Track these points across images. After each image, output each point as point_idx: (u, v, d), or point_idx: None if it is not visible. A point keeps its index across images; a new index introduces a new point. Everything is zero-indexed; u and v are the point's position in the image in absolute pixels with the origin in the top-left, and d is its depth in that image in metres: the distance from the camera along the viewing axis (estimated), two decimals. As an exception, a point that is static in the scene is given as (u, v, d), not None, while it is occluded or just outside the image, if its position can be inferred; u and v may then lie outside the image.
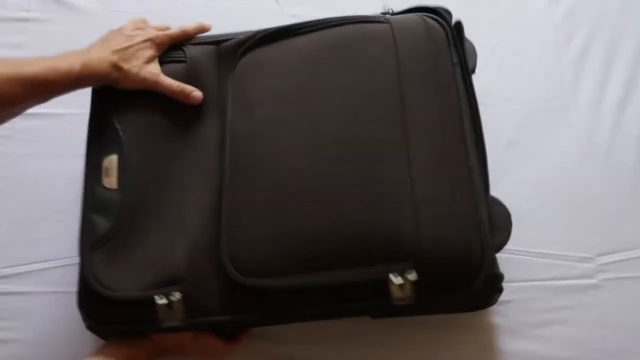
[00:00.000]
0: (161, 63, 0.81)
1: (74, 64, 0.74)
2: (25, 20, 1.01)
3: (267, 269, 0.70)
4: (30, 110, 0.93)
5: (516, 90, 0.92)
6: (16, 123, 0.93)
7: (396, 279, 0.67)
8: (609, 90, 0.94)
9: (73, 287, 0.83)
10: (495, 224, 0.72)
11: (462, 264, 0.68)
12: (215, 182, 0.76)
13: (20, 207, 0.90)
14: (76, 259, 0.85)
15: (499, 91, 0.91)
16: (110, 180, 0.76)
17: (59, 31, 1.01)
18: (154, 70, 0.79)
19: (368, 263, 0.68)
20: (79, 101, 0.94)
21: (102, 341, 0.80)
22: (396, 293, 0.68)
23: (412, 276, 0.67)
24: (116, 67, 0.76)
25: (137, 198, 0.75)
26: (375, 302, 0.70)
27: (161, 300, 0.70)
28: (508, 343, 0.80)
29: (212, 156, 0.77)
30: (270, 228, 0.71)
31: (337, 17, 0.80)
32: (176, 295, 0.70)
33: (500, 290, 0.72)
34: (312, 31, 0.80)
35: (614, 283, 0.83)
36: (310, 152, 0.72)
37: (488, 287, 0.70)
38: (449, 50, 0.77)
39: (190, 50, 0.82)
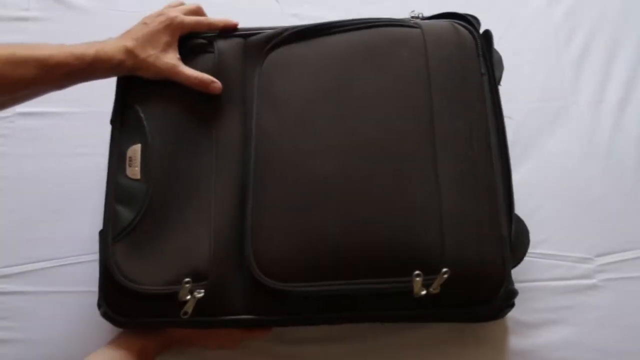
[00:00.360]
0: (188, 52, 0.81)
1: (88, 48, 0.74)
2: (25, 19, 1.01)
3: (293, 273, 0.70)
4: (30, 110, 0.94)
5: (516, 90, 0.92)
6: (16, 123, 0.94)
7: (421, 292, 0.67)
8: (609, 90, 0.94)
9: (73, 287, 0.85)
10: (514, 241, 0.71)
11: (484, 280, 0.69)
12: (239, 177, 0.76)
13: (20, 207, 0.90)
14: (76, 259, 0.86)
15: (499, 91, 0.91)
16: (134, 171, 0.76)
17: (58, 30, 1.01)
18: (170, 60, 0.78)
19: (393, 274, 0.68)
20: (79, 100, 0.94)
21: (103, 338, 0.80)
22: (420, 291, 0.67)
23: (436, 289, 0.67)
24: (131, 54, 0.76)
25: (160, 189, 0.75)
26: (397, 312, 0.71)
27: (184, 297, 0.70)
28: (508, 343, 0.80)
29: (236, 150, 0.77)
30: (296, 231, 0.70)
31: (367, 19, 0.80)
32: (200, 292, 0.70)
33: (512, 305, 0.73)
34: (341, 32, 0.79)
35: (613, 283, 0.83)
36: (339, 156, 0.72)
37: (503, 302, 0.71)
38: (478, 59, 0.77)
39: (218, 42, 0.82)
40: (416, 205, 0.69)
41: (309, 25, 0.80)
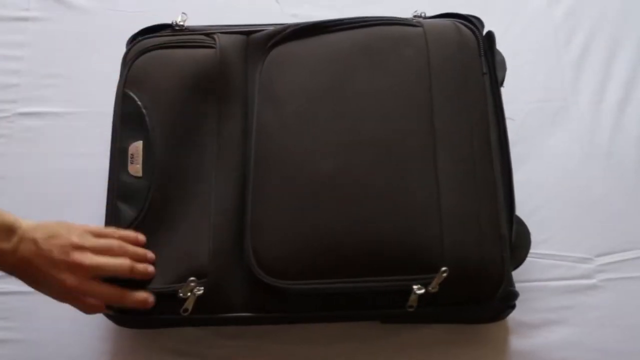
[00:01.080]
0: (188, 46, 0.81)
1: None
2: (25, 19, 1.01)
3: (293, 271, 0.70)
4: (30, 110, 0.95)
5: (516, 90, 0.92)
6: (16, 123, 0.94)
7: (419, 291, 0.67)
8: (609, 90, 0.94)
9: (73, 287, 0.84)
10: (515, 242, 0.72)
11: (483, 279, 0.69)
12: (239, 174, 0.76)
13: (20, 207, 0.89)
14: (76, 259, 0.86)
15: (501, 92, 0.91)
16: (136, 168, 0.76)
17: (58, 30, 1.01)
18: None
19: (392, 272, 0.68)
20: (79, 100, 0.95)
21: (103, 338, 0.81)
22: (416, 303, 0.68)
23: (435, 288, 0.67)
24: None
25: (161, 186, 0.75)
26: (394, 310, 0.70)
27: (184, 295, 0.70)
28: (508, 343, 0.80)
29: (236, 147, 0.78)
30: (296, 228, 0.71)
31: (370, 17, 0.80)
32: (199, 290, 0.71)
33: (513, 306, 0.73)
34: (344, 29, 0.80)
35: (613, 283, 0.83)
36: (339, 154, 0.72)
37: (503, 303, 0.71)
38: (479, 59, 0.77)
39: (221, 38, 0.82)
40: (416, 204, 0.69)
41: (310, 22, 0.81)
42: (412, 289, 0.67)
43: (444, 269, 0.66)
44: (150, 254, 0.73)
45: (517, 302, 0.73)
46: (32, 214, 0.89)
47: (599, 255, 0.85)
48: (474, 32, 0.79)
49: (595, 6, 1.00)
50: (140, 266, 0.71)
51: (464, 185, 0.71)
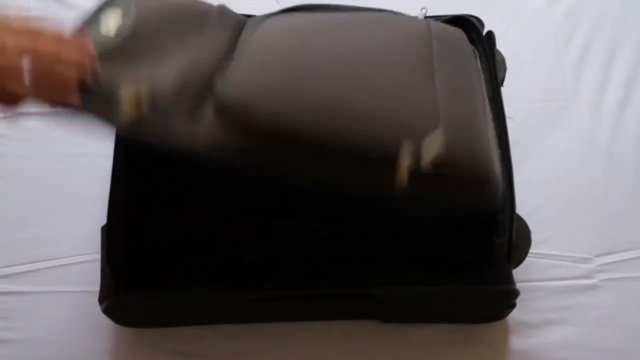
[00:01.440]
0: None
1: None
2: (25, 19, 1.01)
3: (264, 98, 0.64)
4: (30, 110, 0.94)
5: (516, 90, 0.92)
6: (16, 123, 0.94)
7: (408, 158, 0.60)
8: (609, 90, 0.94)
9: (73, 286, 0.84)
10: (516, 241, 0.71)
11: (476, 177, 0.63)
12: (221, 53, 0.71)
13: (20, 207, 0.90)
14: (76, 259, 0.86)
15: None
16: (108, 27, 0.69)
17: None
18: None
19: (380, 125, 0.62)
20: (79, 101, 0.94)
21: (103, 338, 0.81)
22: (404, 173, 0.60)
23: (426, 165, 0.60)
24: None
25: (132, 43, 0.67)
26: (383, 188, 0.61)
27: (125, 92, 0.61)
28: (508, 343, 0.80)
29: (219, 47, 0.72)
30: (280, 73, 0.66)
31: (373, 7, 0.81)
32: (143, 91, 0.61)
33: (513, 305, 0.73)
34: (345, 11, 0.80)
35: (613, 283, 0.83)
36: (335, 67, 0.68)
37: (504, 300, 0.72)
38: (474, 55, 0.77)
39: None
40: (415, 97, 0.66)
41: (311, 3, 0.80)
42: (402, 152, 0.60)
43: (438, 130, 0.61)
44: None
45: (517, 302, 0.73)
46: (32, 214, 0.90)
47: (599, 255, 0.85)
48: (472, 40, 0.79)
49: (595, 6, 1.00)
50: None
51: (461, 103, 0.68)
